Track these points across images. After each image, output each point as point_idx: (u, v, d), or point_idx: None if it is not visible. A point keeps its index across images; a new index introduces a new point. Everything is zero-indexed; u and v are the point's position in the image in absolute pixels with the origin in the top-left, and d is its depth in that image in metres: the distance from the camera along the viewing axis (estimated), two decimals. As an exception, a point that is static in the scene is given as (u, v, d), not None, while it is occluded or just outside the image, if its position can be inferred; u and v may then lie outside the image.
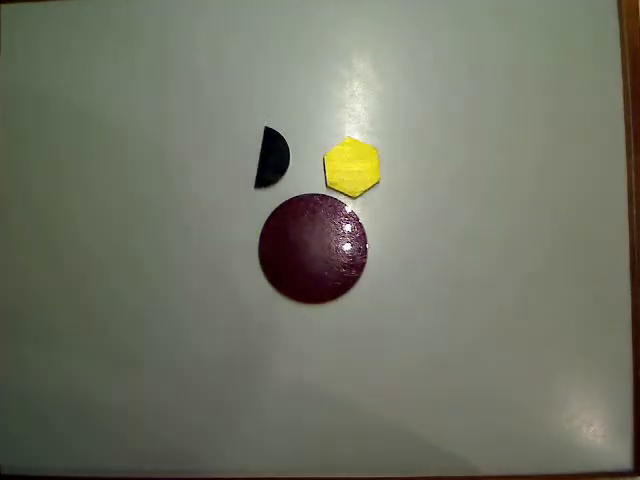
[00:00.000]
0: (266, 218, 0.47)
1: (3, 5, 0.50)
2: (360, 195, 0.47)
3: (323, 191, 0.48)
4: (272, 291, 0.47)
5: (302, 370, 0.47)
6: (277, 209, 0.47)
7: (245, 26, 0.49)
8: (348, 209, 0.47)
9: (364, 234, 0.47)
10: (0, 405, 0.49)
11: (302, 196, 0.48)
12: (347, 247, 0.47)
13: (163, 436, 0.48)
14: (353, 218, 0.47)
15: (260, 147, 0.48)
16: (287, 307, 0.47)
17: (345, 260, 0.47)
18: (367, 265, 0.47)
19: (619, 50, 0.48)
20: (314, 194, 0.48)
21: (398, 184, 0.47)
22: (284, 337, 0.47)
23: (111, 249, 0.48)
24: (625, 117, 0.47)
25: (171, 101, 0.49)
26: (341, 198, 0.47)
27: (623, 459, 0.47)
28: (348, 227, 0.47)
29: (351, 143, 0.47)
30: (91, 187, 0.49)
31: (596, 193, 0.47)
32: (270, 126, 0.48)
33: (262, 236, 0.48)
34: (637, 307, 0.47)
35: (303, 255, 0.47)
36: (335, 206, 0.47)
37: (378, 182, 0.47)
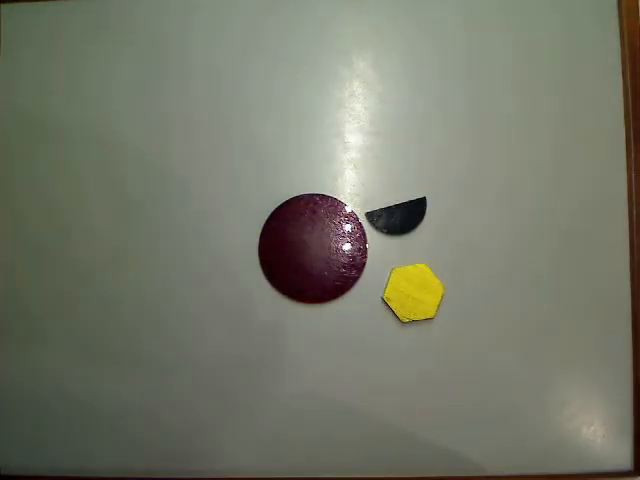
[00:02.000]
0: (266, 218, 0.48)
1: (3, 5, 0.50)
2: (407, 322, 0.46)
3: (323, 191, 0.48)
4: (272, 291, 0.47)
5: (302, 370, 0.47)
6: (277, 209, 0.47)
7: (244, 25, 0.49)
8: (348, 209, 0.47)
9: (364, 234, 0.47)
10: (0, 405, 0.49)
11: (302, 196, 0.48)
12: (347, 247, 0.47)
13: (163, 436, 0.48)
14: (353, 218, 0.47)
15: (257, 147, 0.48)
16: (287, 307, 0.47)
17: (345, 260, 0.47)
18: (367, 265, 0.47)
19: (619, 50, 0.48)
20: (314, 194, 0.48)
21: (398, 184, 0.47)
22: (284, 337, 0.47)
23: (109, 250, 0.48)
24: (625, 117, 0.47)
25: (171, 102, 0.49)
26: (340, 198, 0.48)
27: (623, 459, 0.47)
28: (348, 227, 0.47)
29: (424, 271, 0.46)
30: (88, 187, 0.49)
31: (596, 193, 0.47)
32: (270, 125, 0.48)
33: (262, 236, 0.48)
34: (637, 307, 0.47)
35: (303, 255, 0.47)
36: (335, 206, 0.47)
37: (431, 318, 0.46)
